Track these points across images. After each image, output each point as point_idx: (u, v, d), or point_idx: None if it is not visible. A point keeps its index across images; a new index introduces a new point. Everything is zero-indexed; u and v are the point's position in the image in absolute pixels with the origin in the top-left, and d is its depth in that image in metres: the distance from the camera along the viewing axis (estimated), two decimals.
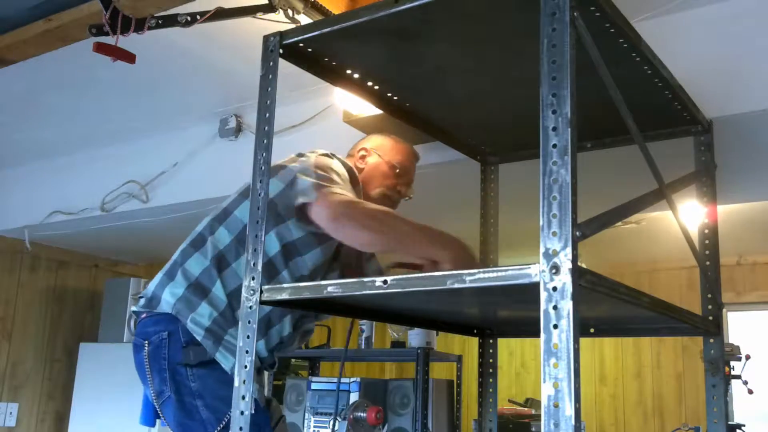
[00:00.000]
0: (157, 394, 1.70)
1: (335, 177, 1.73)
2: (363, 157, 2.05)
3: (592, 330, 1.80)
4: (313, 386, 3.52)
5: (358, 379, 3.41)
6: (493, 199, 2.13)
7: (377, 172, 2.02)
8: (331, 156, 1.85)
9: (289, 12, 1.90)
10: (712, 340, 1.76)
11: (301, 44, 1.40)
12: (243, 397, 1.26)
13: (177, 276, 1.74)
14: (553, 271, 0.95)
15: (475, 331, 2.04)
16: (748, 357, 3.48)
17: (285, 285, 1.30)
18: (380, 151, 2.04)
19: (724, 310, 1.91)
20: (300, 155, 1.83)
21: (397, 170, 2.01)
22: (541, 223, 0.98)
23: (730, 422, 3.46)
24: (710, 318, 1.76)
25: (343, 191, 1.68)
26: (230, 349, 1.67)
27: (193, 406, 1.66)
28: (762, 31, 2.07)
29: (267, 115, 1.36)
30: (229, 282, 1.72)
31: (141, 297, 1.80)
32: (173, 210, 3.37)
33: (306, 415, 3.48)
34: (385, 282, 1.14)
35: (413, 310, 1.59)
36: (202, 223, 1.83)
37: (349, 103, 2.43)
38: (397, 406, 3.47)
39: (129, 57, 1.90)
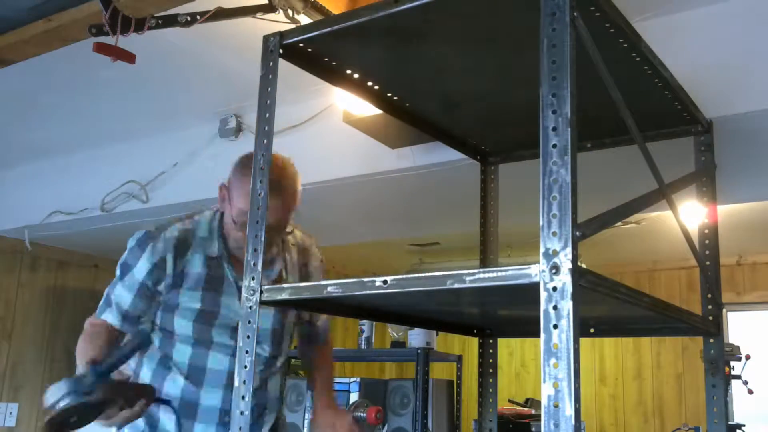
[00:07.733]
0: None
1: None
2: (222, 198, 1.86)
3: (592, 330, 1.80)
4: None
5: (358, 379, 3.41)
6: (493, 199, 2.13)
7: (228, 218, 1.83)
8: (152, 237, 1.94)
9: (289, 12, 1.90)
10: (712, 340, 1.76)
11: (301, 44, 1.39)
12: (243, 397, 1.26)
13: None
14: (553, 271, 0.95)
15: (475, 331, 2.04)
16: (748, 357, 3.49)
17: (285, 285, 1.30)
18: (228, 193, 1.83)
19: (724, 310, 1.91)
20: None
21: (237, 224, 1.77)
22: (541, 223, 0.98)
23: (730, 422, 3.46)
24: (710, 318, 1.76)
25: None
26: None
27: None
28: (762, 31, 2.07)
29: (267, 115, 1.35)
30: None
31: None
32: (173, 210, 3.37)
33: (306, 415, 3.49)
34: (385, 282, 1.14)
35: (413, 310, 1.59)
36: None
37: (349, 103, 2.43)
38: (397, 406, 3.46)
39: (129, 57, 1.90)
